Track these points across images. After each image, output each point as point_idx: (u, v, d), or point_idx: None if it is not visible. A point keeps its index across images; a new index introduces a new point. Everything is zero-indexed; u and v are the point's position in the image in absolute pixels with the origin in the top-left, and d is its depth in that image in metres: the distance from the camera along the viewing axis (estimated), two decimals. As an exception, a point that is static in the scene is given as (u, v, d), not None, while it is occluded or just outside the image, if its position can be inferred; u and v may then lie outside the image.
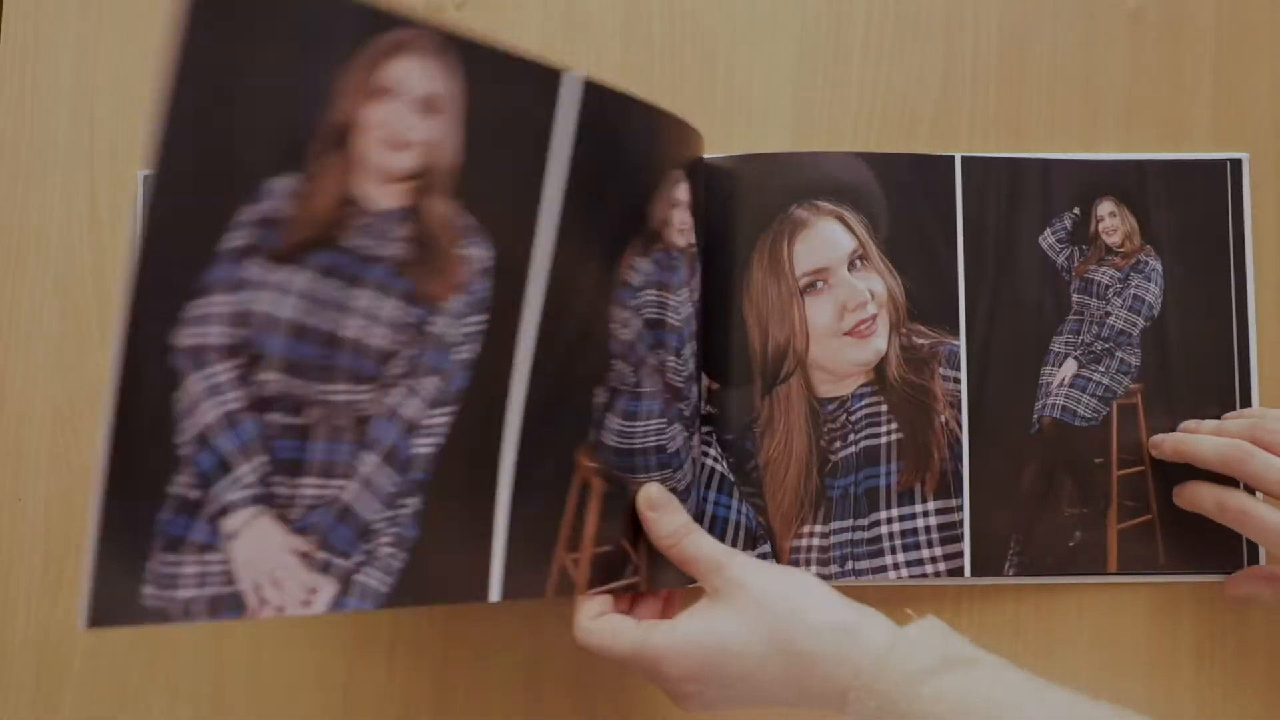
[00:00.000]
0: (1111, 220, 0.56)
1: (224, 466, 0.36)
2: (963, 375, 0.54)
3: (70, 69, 0.59)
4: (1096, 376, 0.55)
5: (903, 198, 0.55)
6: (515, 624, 0.56)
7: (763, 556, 0.52)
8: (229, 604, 0.36)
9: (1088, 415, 0.55)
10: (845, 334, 0.54)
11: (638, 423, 0.47)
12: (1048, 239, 0.56)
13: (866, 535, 0.53)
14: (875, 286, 0.54)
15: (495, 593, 0.42)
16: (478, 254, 0.41)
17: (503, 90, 0.40)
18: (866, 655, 0.40)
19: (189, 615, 0.36)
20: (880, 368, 0.54)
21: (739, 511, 0.53)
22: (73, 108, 0.59)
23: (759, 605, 0.42)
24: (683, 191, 0.50)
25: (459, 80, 0.39)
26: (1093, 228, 0.56)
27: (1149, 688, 0.55)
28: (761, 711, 0.44)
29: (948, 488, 0.54)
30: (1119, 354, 0.56)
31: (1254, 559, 0.54)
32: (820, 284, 0.54)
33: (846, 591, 0.44)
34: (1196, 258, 0.56)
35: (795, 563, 0.53)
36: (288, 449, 0.37)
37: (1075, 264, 0.56)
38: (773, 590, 0.43)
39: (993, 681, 0.39)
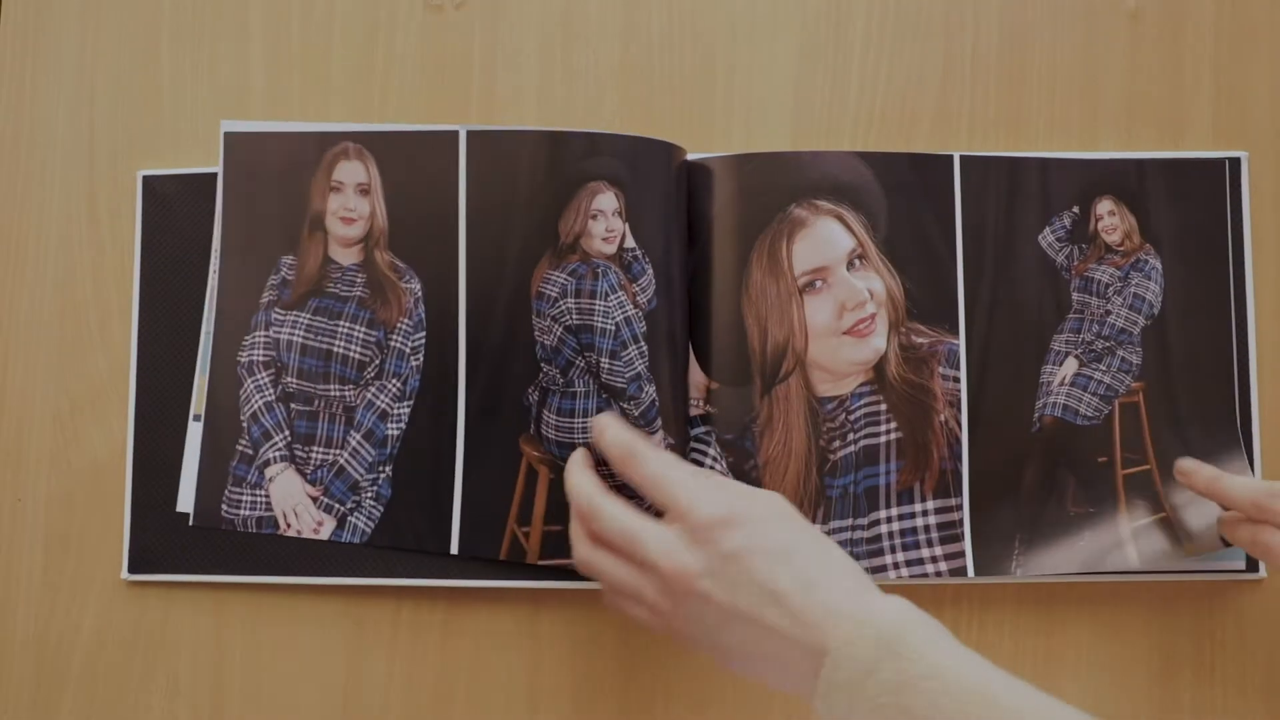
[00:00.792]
0: (1111, 219, 0.56)
1: (266, 435, 0.56)
2: (962, 374, 0.54)
3: (70, 70, 0.59)
4: (1098, 375, 0.55)
5: (902, 197, 0.55)
6: (515, 624, 0.56)
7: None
8: (268, 524, 0.56)
9: (1089, 414, 0.55)
10: (844, 333, 0.54)
11: (575, 419, 0.53)
12: (1047, 238, 0.55)
13: (866, 535, 0.53)
14: (874, 285, 0.54)
15: (454, 547, 0.54)
16: (412, 287, 0.56)
17: (410, 162, 0.56)
18: (860, 593, 0.41)
19: (245, 526, 0.56)
20: (879, 367, 0.54)
21: None
22: (72, 109, 0.59)
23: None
24: (606, 201, 0.53)
25: (375, 168, 0.56)
26: (1092, 226, 0.56)
27: (1149, 687, 0.55)
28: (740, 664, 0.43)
29: (947, 487, 0.54)
30: (1120, 352, 0.55)
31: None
32: (819, 283, 0.54)
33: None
34: (1196, 256, 0.56)
35: None
36: (303, 426, 0.56)
37: (1075, 262, 0.55)
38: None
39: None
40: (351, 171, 0.56)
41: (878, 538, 0.53)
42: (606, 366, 0.52)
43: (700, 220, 0.55)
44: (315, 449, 0.55)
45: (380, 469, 0.55)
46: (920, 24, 0.58)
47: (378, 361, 0.55)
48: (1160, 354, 0.55)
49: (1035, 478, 0.54)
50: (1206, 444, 0.55)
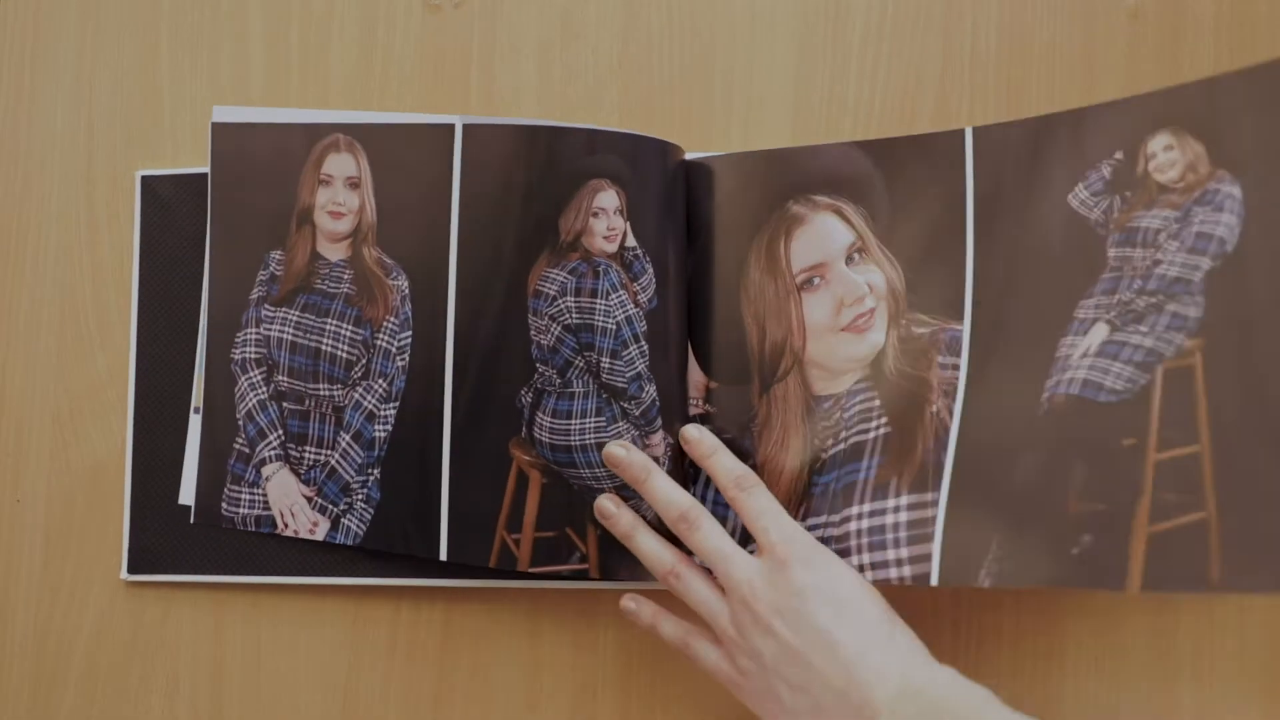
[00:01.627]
0: (1167, 155, 0.47)
1: (261, 434, 0.56)
2: (963, 360, 0.50)
3: (69, 70, 0.59)
4: (1135, 339, 0.46)
5: (904, 182, 0.52)
6: (515, 624, 0.56)
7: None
8: (266, 522, 0.56)
9: (1118, 388, 0.46)
10: (842, 329, 0.52)
11: (572, 421, 0.52)
12: (1079, 194, 0.49)
13: (836, 532, 0.51)
14: (874, 279, 0.52)
15: (443, 553, 0.53)
16: (399, 284, 0.54)
17: (402, 155, 0.54)
18: (912, 654, 0.44)
19: (244, 525, 0.56)
20: (876, 362, 0.52)
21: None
22: (71, 109, 0.59)
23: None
24: (608, 199, 0.52)
25: (366, 162, 0.55)
26: (1140, 168, 0.48)
27: (1148, 688, 0.55)
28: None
29: (925, 481, 0.49)
30: (1170, 307, 0.45)
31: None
32: (817, 280, 0.53)
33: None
34: None
35: None
36: (295, 425, 0.56)
37: (1116, 214, 0.48)
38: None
39: None
40: (341, 165, 0.55)
41: (846, 535, 0.50)
42: (607, 366, 0.52)
43: (699, 219, 0.54)
44: (308, 449, 0.55)
45: (369, 471, 0.54)
46: (919, 20, 0.58)
47: (364, 361, 0.55)
48: (1234, 302, 0.43)
49: (1031, 468, 0.47)
50: None
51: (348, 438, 0.55)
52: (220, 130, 0.56)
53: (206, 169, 0.57)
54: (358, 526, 0.54)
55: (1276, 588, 0.41)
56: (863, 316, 0.52)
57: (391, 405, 0.54)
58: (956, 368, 0.50)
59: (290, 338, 0.55)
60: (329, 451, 0.55)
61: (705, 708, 0.55)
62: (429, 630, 0.56)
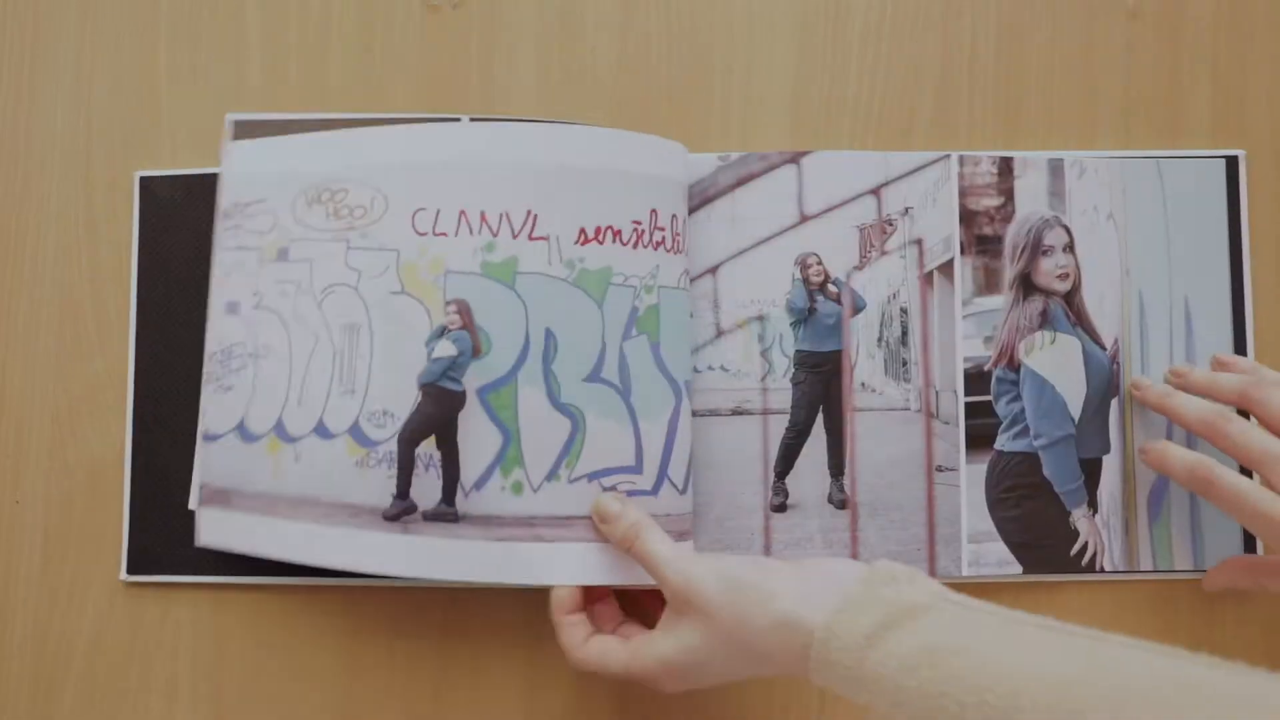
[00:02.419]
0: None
1: None
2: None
3: (67, 71, 0.59)
4: None
5: None
6: (515, 624, 0.56)
7: None
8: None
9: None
10: None
11: None
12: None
13: None
14: None
15: None
16: None
17: None
18: (814, 636, 0.40)
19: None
20: None
21: None
22: (70, 110, 0.59)
23: (707, 618, 0.44)
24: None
25: None
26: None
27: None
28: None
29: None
30: None
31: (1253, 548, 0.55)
32: None
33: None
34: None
35: None
36: None
37: None
38: (714, 600, 0.43)
39: (939, 629, 0.37)
40: None
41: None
42: None
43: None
44: None
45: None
46: (918, 21, 0.58)
47: None
48: None
49: None
50: None
51: None
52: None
53: (205, 170, 0.57)
54: None
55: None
56: None
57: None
58: None
59: None
60: None
61: (704, 709, 0.55)
62: (427, 632, 0.56)
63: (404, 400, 0.51)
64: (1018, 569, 0.55)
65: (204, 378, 0.55)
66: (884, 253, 0.56)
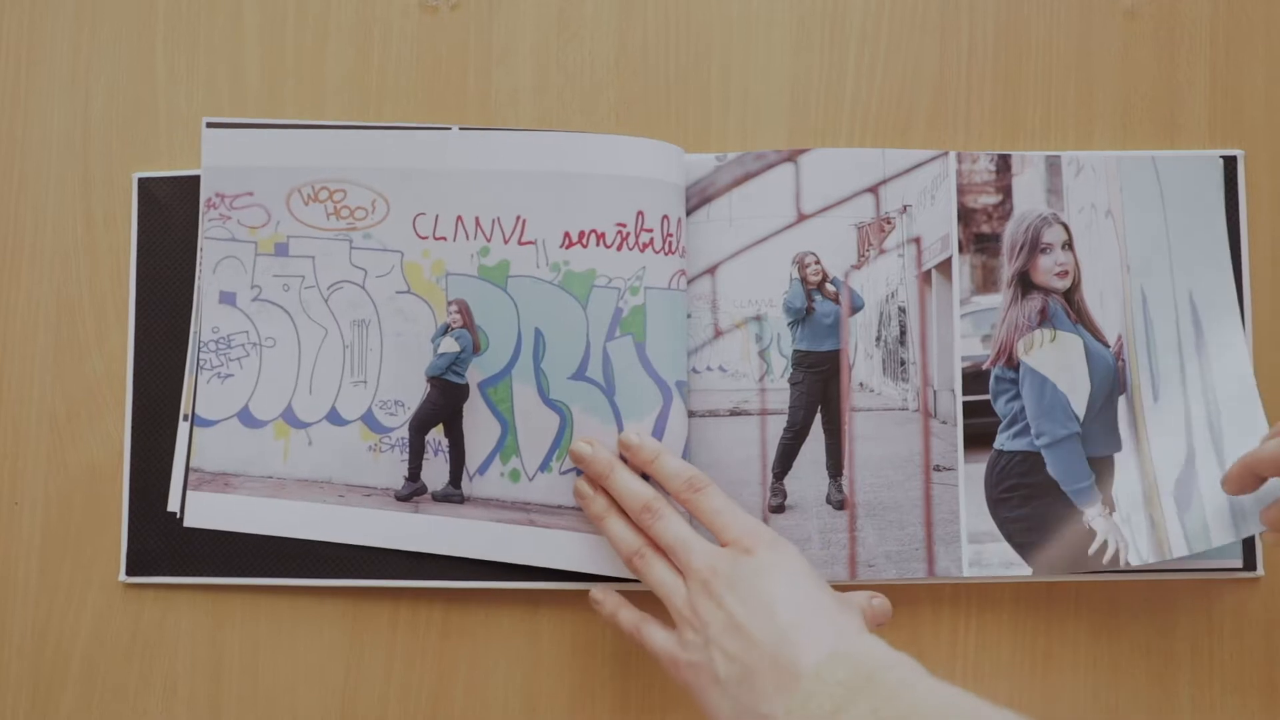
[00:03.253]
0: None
1: None
2: None
3: (65, 72, 0.59)
4: None
5: None
6: (513, 625, 0.56)
7: None
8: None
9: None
10: None
11: None
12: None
13: None
14: None
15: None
16: None
17: None
18: (852, 632, 0.43)
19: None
20: None
21: None
22: (67, 111, 0.59)
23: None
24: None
25: None
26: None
27: (1147, 687, 0.55)
28: None
29: None
30: None
31: (1251, 557, 0.55)
32: None
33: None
34: None
35: None
36: None
37: None
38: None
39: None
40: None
41: None
42: None
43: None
44: None
45: None
46: (916, 21, 0.58)
47: None
48: None
49: None
50: None
51: None
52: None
53: (202, 171, 0.57)
54: None
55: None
56: None
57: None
58: None
59: None
60: None
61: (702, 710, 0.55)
62: (427, 631, 0.56)
63: (413, 391, 0.56)
64: (1025, 570, 0.54)
65: (196, 364, 0.56)
66: (882, 251, 0.56)
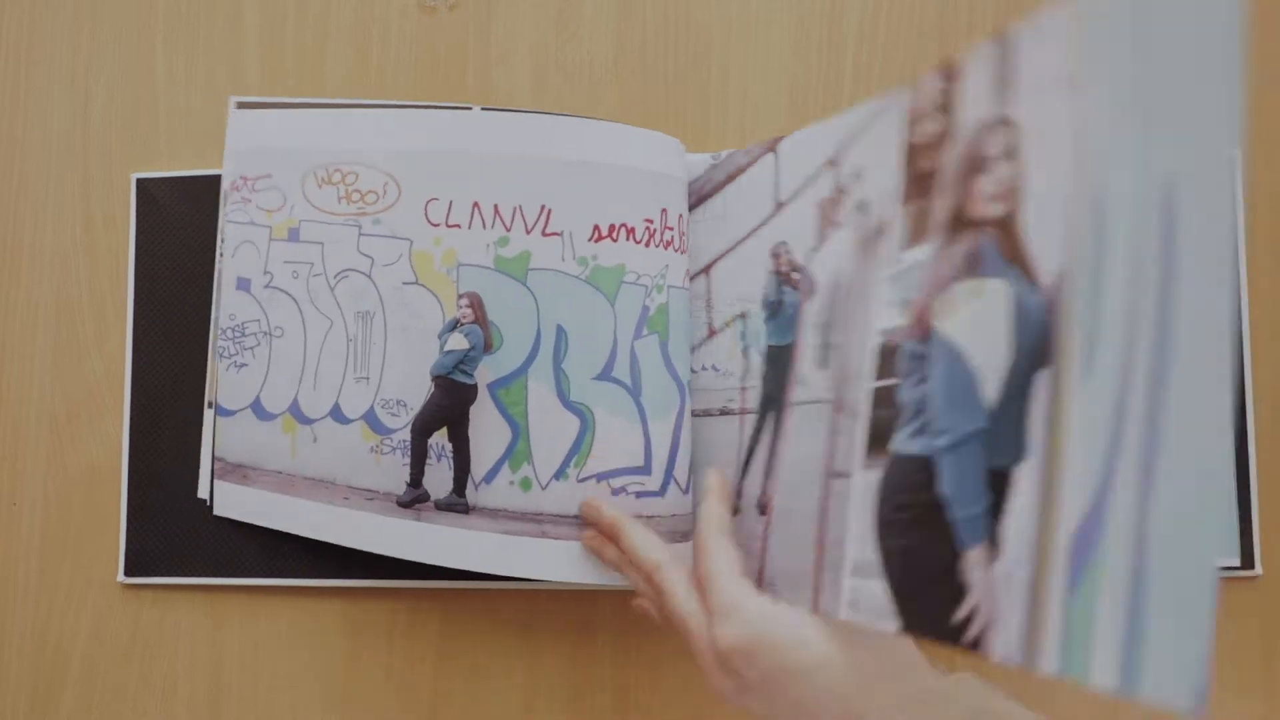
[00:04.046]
0: None
1: None
2: None
3: (64, 73, 0.59)
4: None
5: None
6: (512, 626, 0.56)
7: None
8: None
9: None
10: None
11: None
12: None
13: None
14: None
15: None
16: None
17: None
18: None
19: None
20: None
21: None
22: (67, 112, 0.59)
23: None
24: None
25: None
26: None
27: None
28: None
29: None
30: None
31: (1249, 555, 0.54)
32: None
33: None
34: None
35: None
36: None
37: None
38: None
39: None
40: None
41: None
42: None
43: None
44: None
45: None
46: (914, 20, 0.58)
47: None
48: None
49: None
50: None
51: None
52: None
53: (201, 171, 0.57)
54: None
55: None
56: None
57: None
58: None
59: None
60: None
61: (701, 711, 0.55)
62: (426, 632, 0.56)
63: (417, 390, 0.52)
64: (894, 624, 0.38)
65: (216, 351, 0.56)
66: (836, 225, 0.47)
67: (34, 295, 0.58)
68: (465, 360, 0.51)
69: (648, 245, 0.51)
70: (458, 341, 0.51)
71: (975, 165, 0.39)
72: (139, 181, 0.58)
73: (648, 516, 0.50)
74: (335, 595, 0.56)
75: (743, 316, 0.51)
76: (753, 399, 0.51)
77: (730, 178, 0.54)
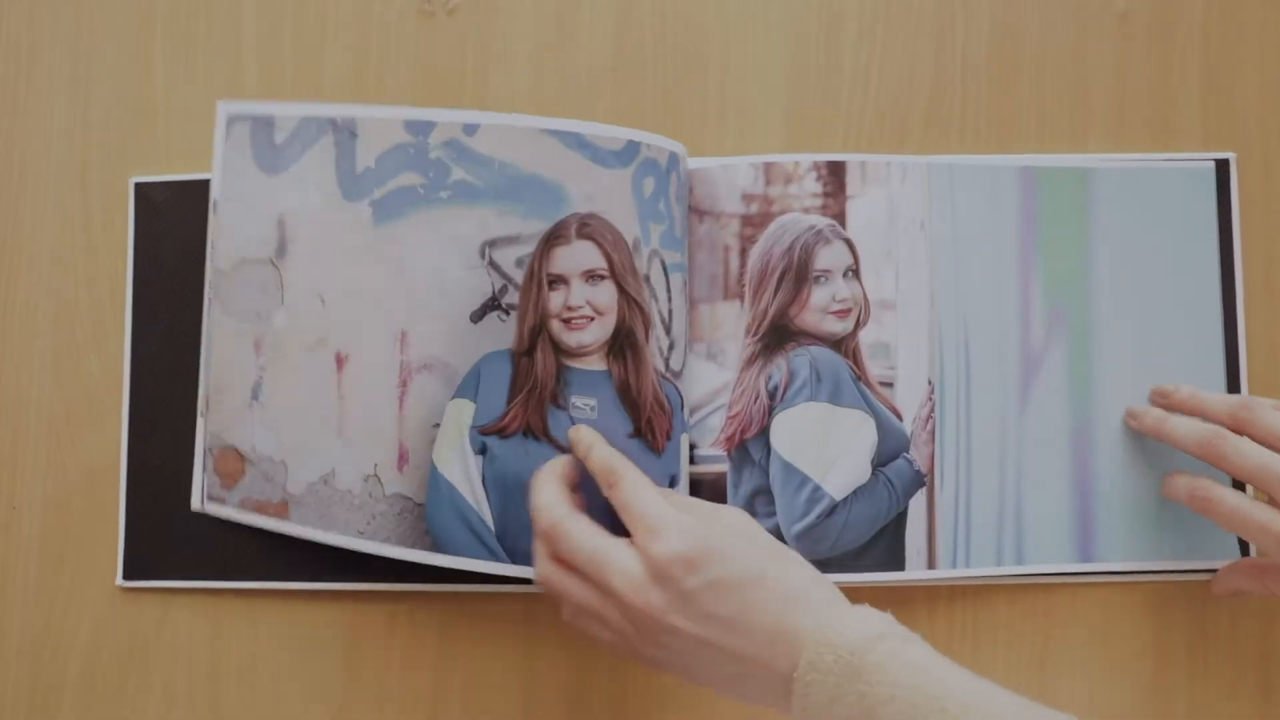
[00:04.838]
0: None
1: None
2: None
3: (63, 76, 0.59)
4: None
5: None
6: (511, 628, 0.56)
7: None
8: None
9: None
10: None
11: None
12: None
13: None
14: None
15: None
16: None
17: None
18: (826, 609, 0.41)
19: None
20: None
21: None
22: (65, 115, 0.59)
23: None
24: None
25: None
26: None
27: (1142, 686, 0.55)
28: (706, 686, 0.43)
29: None
30: None
31: (1246, 552, 0.55)
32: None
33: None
34: None
35: None
36: None
37: None
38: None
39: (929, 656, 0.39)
40: None
41: None
42: None
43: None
44: None
45: None
46: (911, 25, 0.58)
47: None
48: None
49: None
50: None
51: None
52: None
53: (200, 175, 0.57)
54: None
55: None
56: None
57: None
58: None
59: None
60: None
61: (701, 714, 0.55)
62: (425, 635, 0.56)
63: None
64: None
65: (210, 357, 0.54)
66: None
67: (32, 298, 0.58)
68: None
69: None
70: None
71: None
72: (137, 185, 0.58)
73: None
74: (334, 598, 0.56)
75: None
76: None
77: None
